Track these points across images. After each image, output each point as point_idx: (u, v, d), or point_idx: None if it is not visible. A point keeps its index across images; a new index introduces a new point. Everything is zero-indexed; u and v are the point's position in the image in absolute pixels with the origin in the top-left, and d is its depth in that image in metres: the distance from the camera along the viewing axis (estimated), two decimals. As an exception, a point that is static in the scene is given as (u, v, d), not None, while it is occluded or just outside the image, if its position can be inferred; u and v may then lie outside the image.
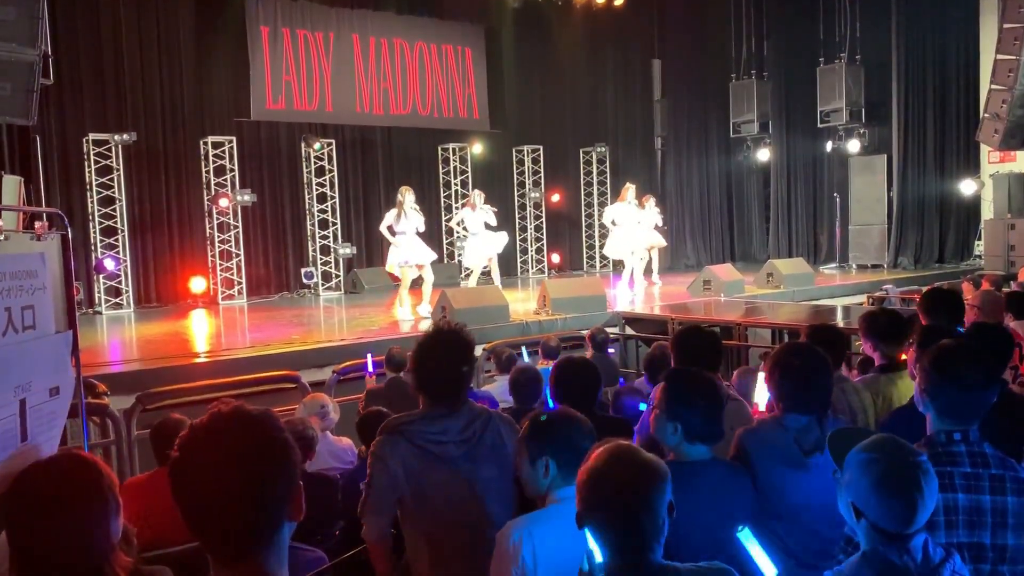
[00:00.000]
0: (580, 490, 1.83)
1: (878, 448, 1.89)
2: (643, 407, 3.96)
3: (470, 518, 2.60)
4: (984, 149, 14.52)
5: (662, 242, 13.48)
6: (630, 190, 12.76)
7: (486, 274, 12.07)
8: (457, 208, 15.72)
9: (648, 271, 13.28)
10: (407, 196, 10.50)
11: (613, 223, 12.64)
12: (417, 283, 10.69)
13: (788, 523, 2.56)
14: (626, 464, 1.81)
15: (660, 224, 13.27)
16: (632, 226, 12.57)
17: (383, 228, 10.60)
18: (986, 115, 11.63)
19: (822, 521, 2.43)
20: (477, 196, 11.81)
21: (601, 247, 16.88)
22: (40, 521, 1.74)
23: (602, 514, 1.78)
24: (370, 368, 6.25)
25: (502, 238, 11.87)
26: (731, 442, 2.76)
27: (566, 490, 2.30)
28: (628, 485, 1.78)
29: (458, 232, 12.94)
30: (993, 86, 11.35)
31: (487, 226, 11.67)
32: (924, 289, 5.88)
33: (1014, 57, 10.89)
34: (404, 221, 10.36)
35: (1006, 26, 11.04)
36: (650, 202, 13.28)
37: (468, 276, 12.52)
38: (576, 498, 1.83)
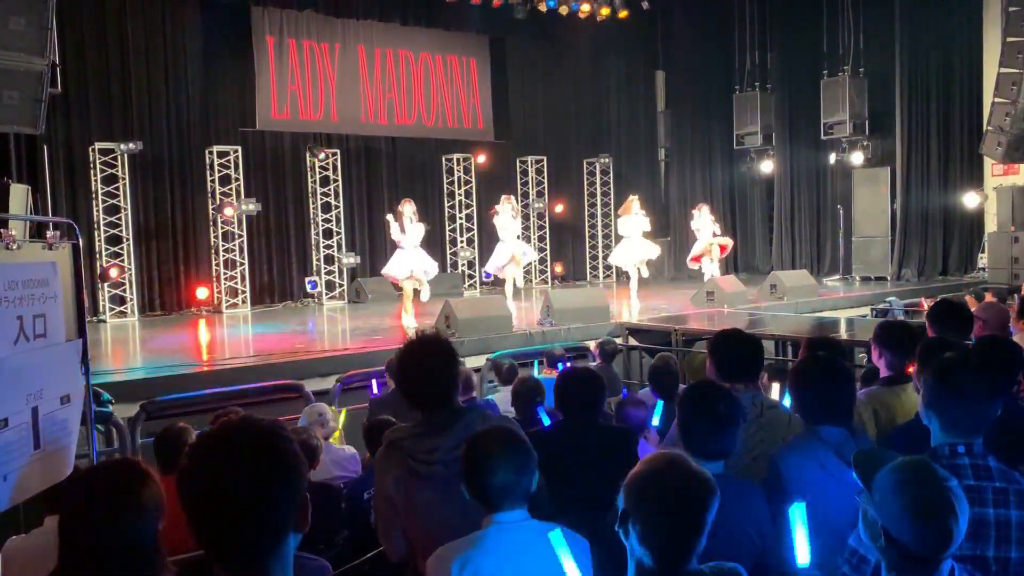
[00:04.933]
0: (631, 494, 1.83)
1: (910, 472, 1.86)
2: (657, 417, 3.95)
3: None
4: (987, 162, 14.52)
5: (650, 254, 12.96)
6: (634, 202, 12.76)
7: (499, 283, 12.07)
8: (461, 218, 15.78)
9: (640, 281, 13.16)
10: (407, 208, 10.55)
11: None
12: (417, 295, 10.72)
13: (827, 538, 2.51)
14: (683, 474, 1.83)
15: (717, 232, 13.37)
16: (637, 239, 12.60)
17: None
18: (990, 128, 11.65)
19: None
20: (506, 203, 11.76)
21: (605, 257, 16.91)
22: (100, 519, 1.78)
23: (657, 520, 1.79)
24: (375, 390, 6.28)
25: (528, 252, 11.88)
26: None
27: (499, 515, 2.26)
28: (684, 496, 1.80)
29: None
30: (997, 99, 11.39)
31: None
32: (928, 301, 5.89)
33: (1017, 71, 10.92)
34: (406, 234, 10.42)
35: (1009, 40, 11.07)
36: (703, 210, 13.39)
37: (503, 283, 11.96)
38: (624, 500, 1.84)
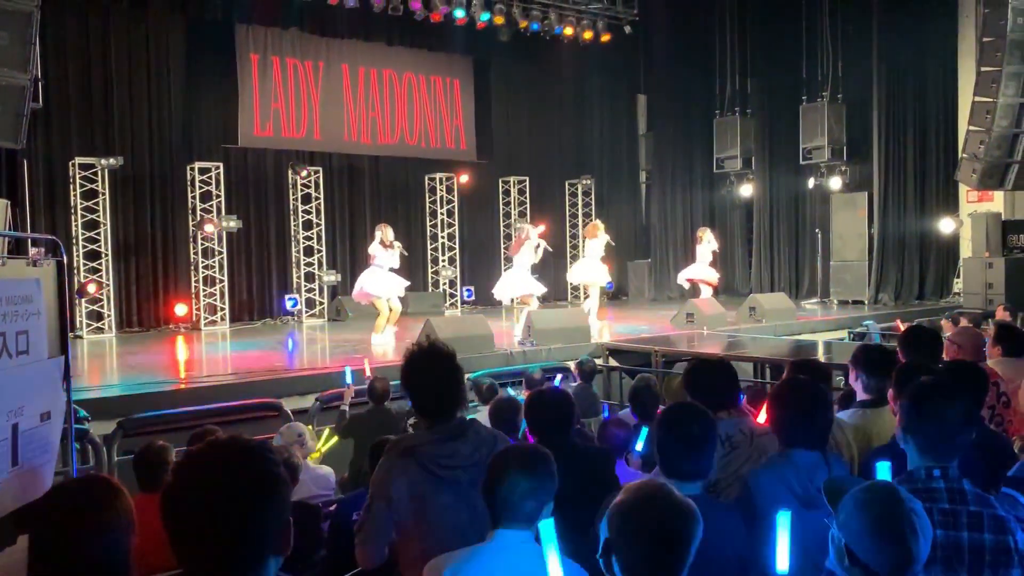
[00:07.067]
0: (614, 525, 1.83)
1: (872, 492, 1.91)
2: (641, 443, 3.95)
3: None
4: (963, 188, 14.75)
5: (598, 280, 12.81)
6: (599, 227, 12.70)
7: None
8: (443, 237, 15.79)
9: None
10: (387, 232, 10.66)
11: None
12: (392, 315, 10.78)
13: (798, 559, 2.52)
14: (668, 506, 1.83)
15: (716, 250, 13.93)
16: (595, 260, 12.56)
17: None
18: (964, 155, 11.84)
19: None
20: (531, 229, 11.54)
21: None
22: (68, 537, 1.77)
23: (642, 553, 1.80)
24: (349, 380, 6.31)
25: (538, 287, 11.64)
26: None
27: (500, 531, 2.30)
28: (669, 529, 1.80)
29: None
30: (971, 127, 11.57)
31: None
32: (903, 326, 5.96)
33: (991, 99, 11.12)
34: (387, 255, 10.53)
35: (983, 69, 11.29)
36: (706, 233, 13.90)
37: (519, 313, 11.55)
38: (607, 530, 1.84)
